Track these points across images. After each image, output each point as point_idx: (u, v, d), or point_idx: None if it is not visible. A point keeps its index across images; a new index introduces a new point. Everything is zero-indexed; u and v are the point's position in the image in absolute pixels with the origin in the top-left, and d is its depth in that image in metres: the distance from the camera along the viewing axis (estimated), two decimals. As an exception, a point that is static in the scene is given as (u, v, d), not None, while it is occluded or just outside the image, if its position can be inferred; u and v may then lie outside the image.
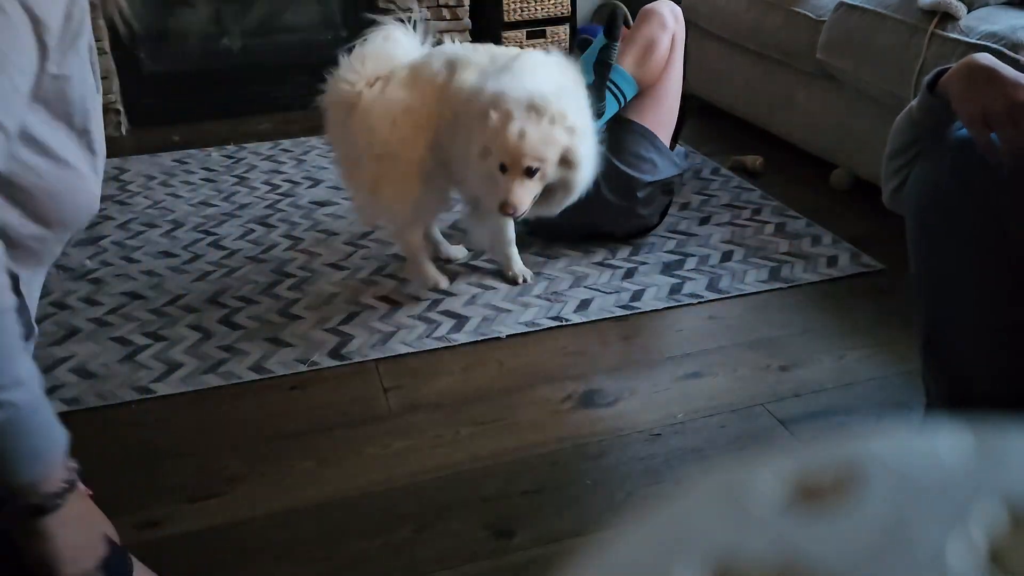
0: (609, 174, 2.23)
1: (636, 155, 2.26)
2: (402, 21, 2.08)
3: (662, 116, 2.35)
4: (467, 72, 1.95)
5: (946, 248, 1.26)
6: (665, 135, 2.35)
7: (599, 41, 2.27)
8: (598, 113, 2.16)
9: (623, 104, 2.29)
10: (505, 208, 1.82)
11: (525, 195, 1.82)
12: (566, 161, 1.84)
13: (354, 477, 1.56)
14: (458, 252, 2.29)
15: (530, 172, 1.81)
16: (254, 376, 1.83)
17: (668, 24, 2.34)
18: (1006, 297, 1.24)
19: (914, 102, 1.31)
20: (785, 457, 0.24)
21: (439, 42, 2.13)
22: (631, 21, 3.78)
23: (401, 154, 1.95)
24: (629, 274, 2.21)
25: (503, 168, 1.82)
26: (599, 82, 2.20)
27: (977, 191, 1.20)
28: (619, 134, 2.26)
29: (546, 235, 2.34)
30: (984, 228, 1.21)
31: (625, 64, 2.28)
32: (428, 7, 3.53)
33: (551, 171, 1.84)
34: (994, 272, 1.23)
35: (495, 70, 1.93)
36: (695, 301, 2.10)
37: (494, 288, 2.14)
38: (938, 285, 1.29)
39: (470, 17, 3.61)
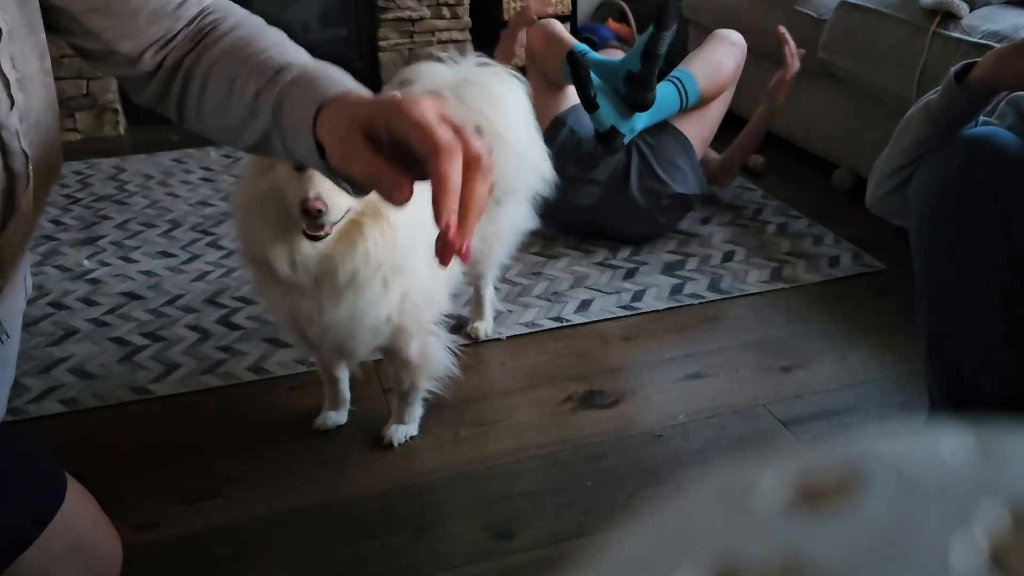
0: (643, 174, 2.25)
1: (672, 163, 2.29)
2: None
3: (704, 133, 2.39)
4: None
5: (951, 249, 1.26)
6: (700, 152, 2.38)
7: (648, 32, 2.22)
8: (643, 104, 2.20)
9: (685, 108, 2.31)
10: (308, 203, 1.26)
11: (335, 190, 1.27)
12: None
13: (353, 478, 1.56)
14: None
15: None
16: (253, 377, 1.83)
17: (736, 54, 2.40)
18: (1011, 300, 1.23)
19: (932, 98, 1.30)
20: (787, 458, 0.24)
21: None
22: (631, 19, 3.78)
23: None
24: (630, 274, 2.21)
25: (301, 166, 1.29)
26: (645, 72, 2.19)
27: (984, 192, 1.20)
28: (662, 138, 2.31)
29: (556, 227, 2.34)
30: (990, 230, 1.21)
31: (695, 74, 2.32)
32: (428, 6, 3.54)
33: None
34: (999, 274, 1.23)
35: None
36: (696, 301, 2.10)
37: (495, 289, 2.14)
38: (942, 287, 1.29)
39: (470, 16, 3.62)
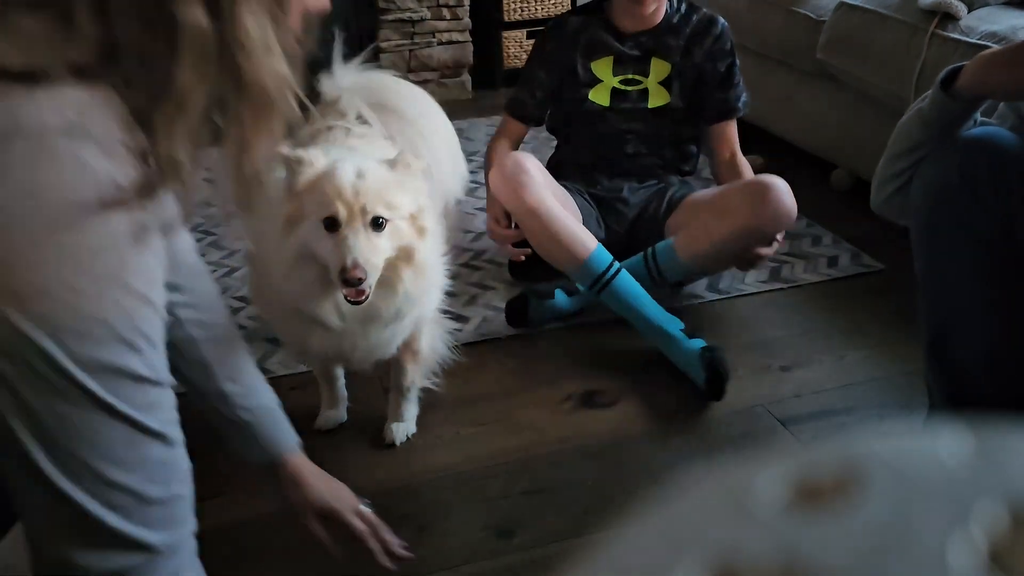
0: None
1: None
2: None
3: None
4: None
5: (952, 249, 1.26)
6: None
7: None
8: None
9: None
10: (348, 273, 1.24)
11: (372, 250, 1.28)
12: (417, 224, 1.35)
13: (354, 477, 1.55)
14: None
15: (377, 223, 1.28)
16: (254, 376, 1.83)
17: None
18: (1011, 300, 1.24)
19: (923, 103, 1.30)
20: (786, 457, 0.24)
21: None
22: None
23: None
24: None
25: (331, 224, 1.27)
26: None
27: (985, 192, 1.20)
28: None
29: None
30: (991, 230, 1.21)
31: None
32: (428, 7, 3.53)
33: (404, 230, 1.32)
34: (1000, 274, 1.23)
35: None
36: (695, 302, 2.10)
37: (494, 288, 2.14)
38: (943, 286, 1.29)
39: (470, 17, 3.61)
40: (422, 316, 1.54)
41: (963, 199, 1.22)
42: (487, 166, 2.08)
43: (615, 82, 2.07)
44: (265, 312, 1.55)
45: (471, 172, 2.85)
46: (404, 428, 1.65)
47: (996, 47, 1.26)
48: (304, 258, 1.31)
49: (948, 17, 2.18)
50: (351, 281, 1.25)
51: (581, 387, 1.79)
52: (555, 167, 2.18)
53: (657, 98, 2.08)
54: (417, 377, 1.63)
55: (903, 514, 0.20)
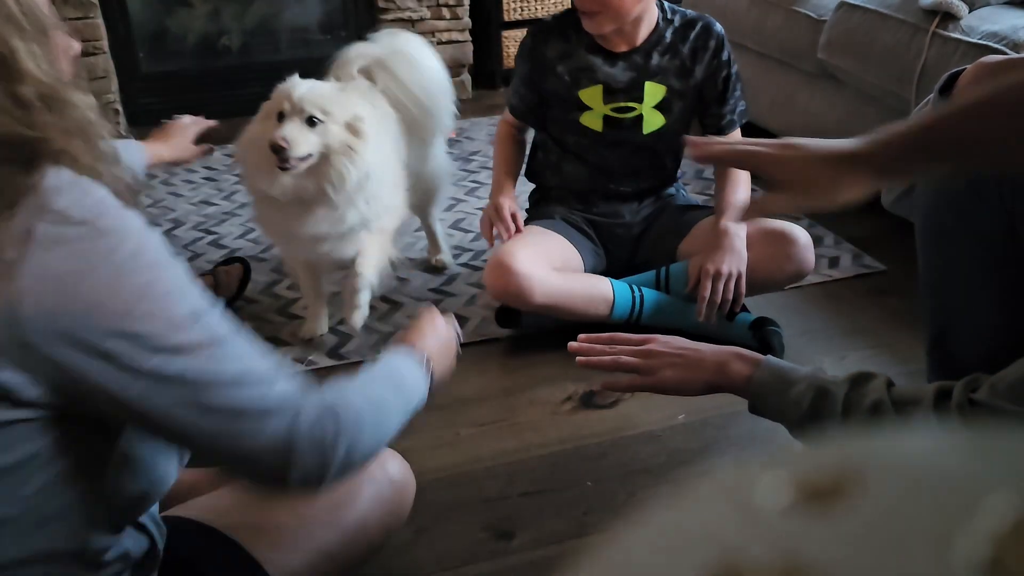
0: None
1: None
2: None
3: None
4: None
5: (956, 250, 1.26)
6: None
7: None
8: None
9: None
10: (275, 142, 1.64)
11: (299, 134, 1.67)
12: (352, 129, 1.72)
13: (354, 477, 1.56)
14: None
15: (310, 121, 1.68)
16: (254, 376, 1.83)
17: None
18: (1014, 300, 1.23)
19: (926, 108, 1.30)
20: (787, 458, 0.24)
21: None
22: None
23: None
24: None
25: (280, 117, 1.70)
26: None
27: (989, 193, 1.20)
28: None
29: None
30: (995, 230, 1.21)
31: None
32: (428, 7, 3.53)
33: (335, 131, 1.70)
34: (1004, 275, 1.23)
35: None
36: (696, 301, 2.09)
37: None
38: (947, 287, 1.29)
39: (470, 16, 3.62)
40: (370, 222, 1.80)
41: (967, 199, 1.22)
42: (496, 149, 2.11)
43: (607, 110, 1.91)
44: (255, 210, 1.91)
45: (471, 172, 2.87)
46: (361, 314, 1.84)
47: (995, 57, 1.24)
48: (260, 141, 1.70)
49: (949, 17, 2.18)
50: (276, 149, 1.64)
51: (581, 387, 1.79)
52: (548, 190, 2.07)
53: (652, 123, 1.93)
54: (368, 269, 1.81)
55: (904, 514, 0.20)
